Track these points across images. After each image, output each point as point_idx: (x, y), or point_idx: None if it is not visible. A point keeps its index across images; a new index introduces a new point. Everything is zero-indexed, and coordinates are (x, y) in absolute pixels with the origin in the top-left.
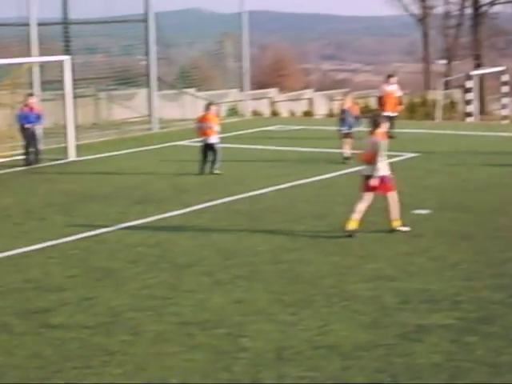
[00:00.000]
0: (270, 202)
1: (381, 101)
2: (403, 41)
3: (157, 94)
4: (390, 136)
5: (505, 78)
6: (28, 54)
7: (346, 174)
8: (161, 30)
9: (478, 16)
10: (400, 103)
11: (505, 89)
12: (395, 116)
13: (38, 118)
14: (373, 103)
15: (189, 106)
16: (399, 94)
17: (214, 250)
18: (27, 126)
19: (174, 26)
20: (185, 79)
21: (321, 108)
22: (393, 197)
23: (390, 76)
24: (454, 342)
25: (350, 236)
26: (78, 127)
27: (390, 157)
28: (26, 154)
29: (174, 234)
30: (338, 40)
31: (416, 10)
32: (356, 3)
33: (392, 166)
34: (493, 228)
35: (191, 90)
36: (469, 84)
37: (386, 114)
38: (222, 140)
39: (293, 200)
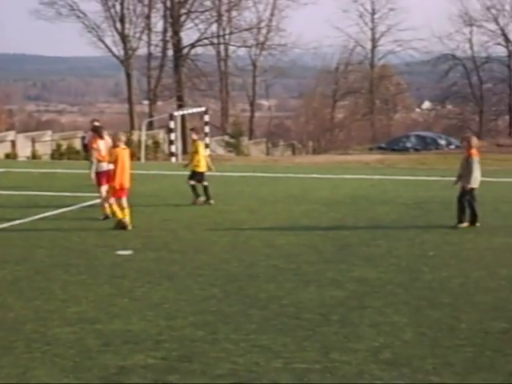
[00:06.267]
0: None
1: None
2: (109, 81)
3: None
4: None
5: (206, 118)
6: None
7: (47, 216)
8: None
9: (179, 58)
10: None
11: (207, 128)
12: None
13: None
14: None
15: None
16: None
17: None
18: None
19: None
20: None
21: (24, 150)
22: None
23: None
24: (156, 382)
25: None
26: None
27: None
28: None
29: None
30: (44, 81)
31: (119, 51)
32: (61, 44)
33: None
34: (194, 266)
35: None
36: (172, 124)
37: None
38: None
39: None
